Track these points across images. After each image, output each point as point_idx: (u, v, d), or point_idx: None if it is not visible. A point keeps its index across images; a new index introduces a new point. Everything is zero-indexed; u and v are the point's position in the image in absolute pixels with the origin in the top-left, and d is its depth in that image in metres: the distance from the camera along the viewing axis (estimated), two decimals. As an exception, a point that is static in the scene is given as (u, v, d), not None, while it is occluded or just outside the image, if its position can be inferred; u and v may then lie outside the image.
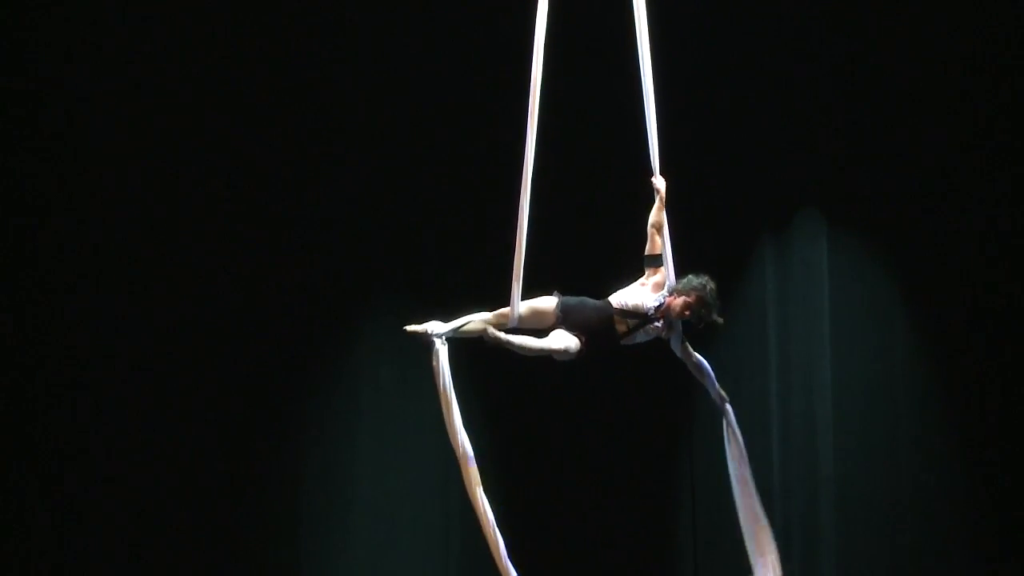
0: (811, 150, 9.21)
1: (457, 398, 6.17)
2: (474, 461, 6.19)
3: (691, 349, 6.67)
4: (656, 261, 6.57)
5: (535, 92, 6.20)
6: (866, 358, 9.18)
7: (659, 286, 6.54)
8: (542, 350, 6.31)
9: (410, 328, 6.16)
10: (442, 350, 6.15)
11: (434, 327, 6.19)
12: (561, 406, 9.44)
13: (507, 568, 6.28)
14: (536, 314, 6.43)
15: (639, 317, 6.48)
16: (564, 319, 6.44)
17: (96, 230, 8.86)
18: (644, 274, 6.63)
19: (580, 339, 6.39)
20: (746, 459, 6.60)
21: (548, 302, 6.49)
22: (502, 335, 6.16)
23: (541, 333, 6.42)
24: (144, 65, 8.90)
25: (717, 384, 6.63)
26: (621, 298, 6.56)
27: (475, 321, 6.29)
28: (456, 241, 9.32)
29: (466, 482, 6.21)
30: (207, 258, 8.96)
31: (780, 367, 9.18)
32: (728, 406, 6.67)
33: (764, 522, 6.58)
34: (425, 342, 6.15)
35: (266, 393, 9.03)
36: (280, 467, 9.09)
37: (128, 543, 8.77)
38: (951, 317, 9.15)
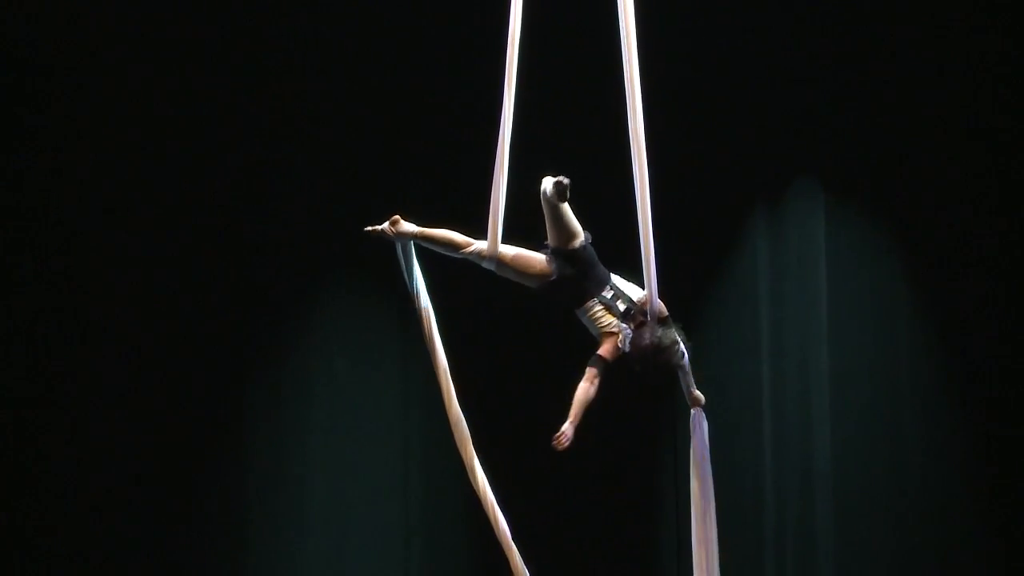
0: (808, 114, 9.06)
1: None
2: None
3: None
4: None
5: (511, 61, 5.87)
6: (867, 342, 9.05)
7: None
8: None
9: (369, 227, 6.07)
10: (406, 245, 6.09)
11: (397, 227, 6.08)
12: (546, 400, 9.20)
13: (509, 544, 6.13)
14: (523, 257, 6.03)
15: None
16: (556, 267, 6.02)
17: (45, 215, 8.76)
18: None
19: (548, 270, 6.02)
20: (709, 476, 6.14)
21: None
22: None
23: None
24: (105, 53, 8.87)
25: (692, 378, 6.22)
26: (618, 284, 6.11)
27: (444, 234, 6.11)
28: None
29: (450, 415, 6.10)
30: (151, 245, 8.86)
31: (772, 352, 9.04)
32: (698, 410, 6.23)
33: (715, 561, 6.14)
34: (388, 238, 6.07)
35: (211, 384, 8.90)
36: (225, 465, 8.94)
37: (66, 543, 8.62)
38: (959, 298, 9.01)
